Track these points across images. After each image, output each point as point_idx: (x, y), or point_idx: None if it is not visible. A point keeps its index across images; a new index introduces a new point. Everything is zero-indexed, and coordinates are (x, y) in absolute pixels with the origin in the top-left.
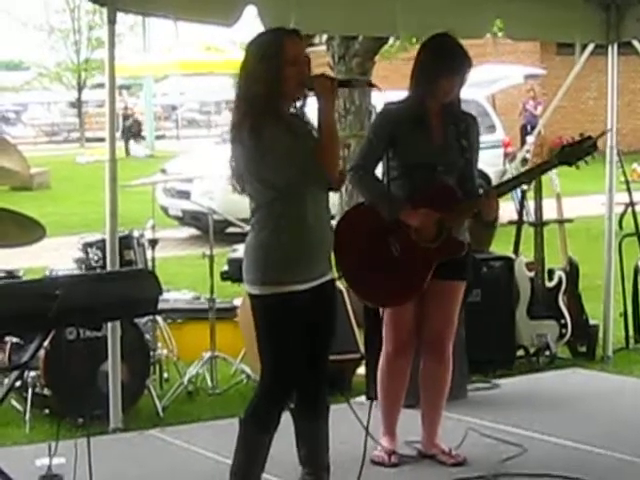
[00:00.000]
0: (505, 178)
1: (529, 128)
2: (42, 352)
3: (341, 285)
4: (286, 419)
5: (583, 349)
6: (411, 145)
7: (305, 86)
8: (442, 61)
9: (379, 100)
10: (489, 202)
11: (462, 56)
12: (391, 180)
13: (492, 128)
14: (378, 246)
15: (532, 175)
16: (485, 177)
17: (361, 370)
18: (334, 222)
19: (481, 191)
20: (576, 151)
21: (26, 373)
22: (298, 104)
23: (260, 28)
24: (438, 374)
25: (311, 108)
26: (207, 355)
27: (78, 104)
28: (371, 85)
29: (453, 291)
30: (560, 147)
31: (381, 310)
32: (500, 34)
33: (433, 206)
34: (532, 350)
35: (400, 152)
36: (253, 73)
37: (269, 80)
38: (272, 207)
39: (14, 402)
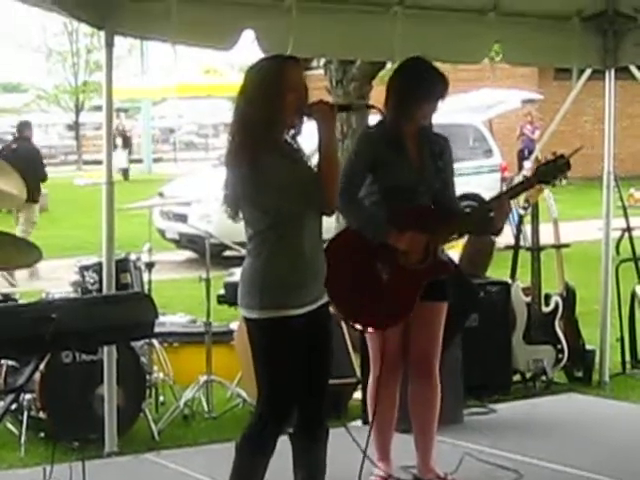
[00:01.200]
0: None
1: (526, 152)
2: (38, 375)
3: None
4: (281, 443)
5: (579, 374)
6: (391, 169)
7: (303, 113)
8: (420, 84)
9: None
10: (502, 206)
11: (440, 79)
12: (373, 204)
13: (489, 152)
14: (366, 269)
15: (512, 194)
16: (482, 202)
17: (357, 394)
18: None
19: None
20: (550, 170)
21: (22, 396)
22: (292, 131)
23: (258, 52)
24: (427, 395)
25: (307, 133)
26: (203, 379)
27: (76, 127)
28: (370, 107)
29: (436, 312)
30: (535, 168)
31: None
32: (498, 59)
33: (417, 228)
34: (528, 375)
35: (381, 176)
36: (253, 100)
37: (269, 107)
38: (269, 233)
39: (9, 425)
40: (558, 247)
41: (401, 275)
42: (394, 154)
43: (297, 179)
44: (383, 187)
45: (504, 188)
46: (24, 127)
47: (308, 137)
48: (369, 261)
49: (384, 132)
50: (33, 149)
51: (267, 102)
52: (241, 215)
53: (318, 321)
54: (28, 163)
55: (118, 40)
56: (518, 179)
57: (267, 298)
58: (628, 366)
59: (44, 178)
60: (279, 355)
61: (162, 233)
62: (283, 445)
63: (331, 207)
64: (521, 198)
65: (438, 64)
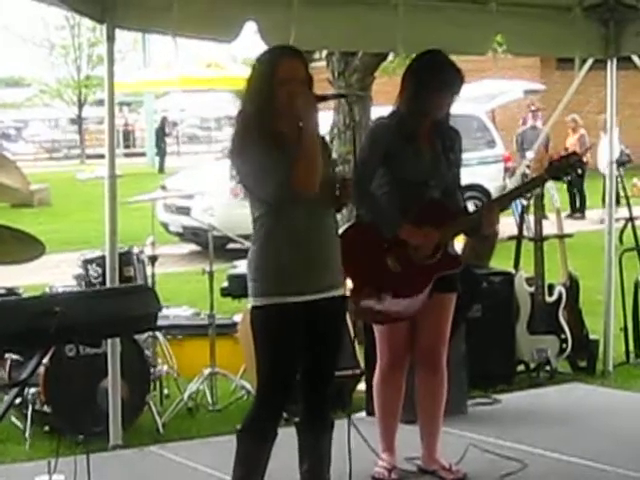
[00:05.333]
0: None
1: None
2: (42, 369)
3: None
4: (285, 435)
5: (583, 364)
6: (403, 161)
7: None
8: (435, 78)
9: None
10: (490, 215)
11: (454, 73)
12: (384, 195)
13: (492, 143)
14: (378, 262)
15: (525, 189)
16: (486, 192)
17: (361, 386)
18: None
19: (469, 205)
20: (563, 166)
21: (26, 390)
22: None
23: (260, 44)
24: (433, 387)
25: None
26: (207, 371)
27: (79, 121)
28: (344, 96)
29: (444, 304)
30: (548, 163)
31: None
32: (500, 50)
33: (429, 223)
34: (532, 365)
35: (392, 168)
36: (248, 91)
37: (259, 99)
38: (263, 220)
39: (14, 419)
40: (561, 237)
41: (413, 269)
42: (407, 146)
43: (286, 167)
44: (394, 179)
45: (506, 179)
46: None
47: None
48: (380, 254)
49: (397, 123)
50: None
51: (258, 94)
52: None
53: (323, 313)
54: None
55: (121, 34)
56: (520, 170)
57: (262, 285)
58: (632, 355)
59: None
60: (274, 342)
61: (166, 226)
62: (288, 438)
63: (305, 193)
64: None
65: None
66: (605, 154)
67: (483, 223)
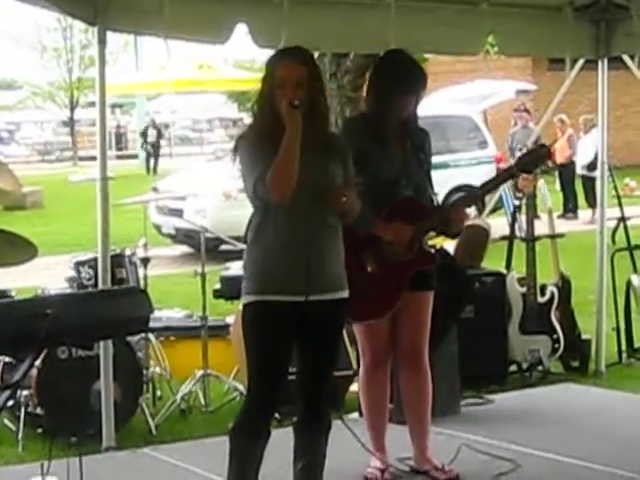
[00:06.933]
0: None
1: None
2: (34, 371)
3: None
4: (279, 434)
5: (576, 364)
6: (374, 160)
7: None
8: (398, 78)
9: None
10: (457, 213)
11: (417, 73)
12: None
13: (484, 144)
14: (354, 261)
15: (495, 183)
16: None
17: (354, 387)
18: None
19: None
20: (533, 159)
21: (19, 392)
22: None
23: (251, 46)
24: (418, 386)
25: None
26: (200, 373)
27: (71, 123)
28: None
29: (422, 302)
30: (518, 157)
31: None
32: (492, 50)
33: (401, 218)
34: (525, 365)
35: (363, 167)
36: (257, 93)
37: (261, 101)
38: (254, 219)
39: (7, 421)
40: (553, 237)
41: (388, 266)
42: (376, 146)
43: (263, 169)
44: (366, 178)
45: None
46: None
47: None
48: (356, 253)
49: (365, 124)
50: None
51: (260, 97)
52: None
53: (315, 314)
54: None
55: (113, 36)
56: None
57: (250, 283)
58: (624, 355)
59: None
60: (261, 338)
61: (158, 228)
62: (282, 441)
63: (276, 200)
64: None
65: (434, 55)
66: (582, 156)
67: (451, 219)
